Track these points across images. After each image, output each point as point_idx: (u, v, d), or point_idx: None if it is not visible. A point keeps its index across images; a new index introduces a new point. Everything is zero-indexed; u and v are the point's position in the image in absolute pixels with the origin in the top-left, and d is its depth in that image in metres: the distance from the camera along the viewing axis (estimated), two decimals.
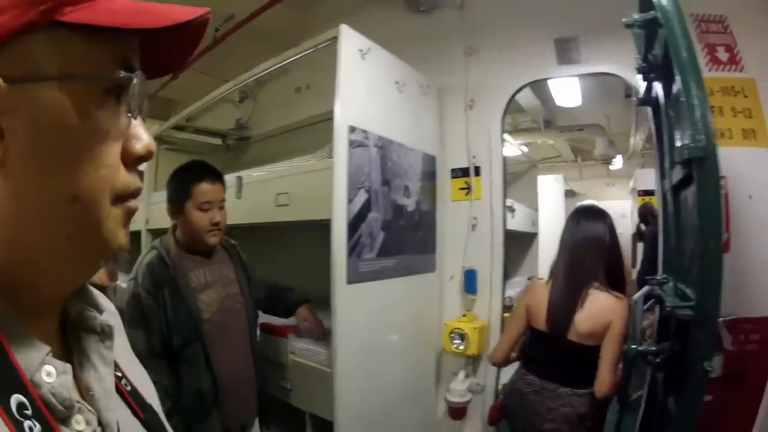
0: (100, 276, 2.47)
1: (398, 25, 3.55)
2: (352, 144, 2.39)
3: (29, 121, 0.48)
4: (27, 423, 0.45)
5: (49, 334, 0.57)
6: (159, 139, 4.04)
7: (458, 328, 3.09)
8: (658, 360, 2.08)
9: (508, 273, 5.27)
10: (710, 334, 1.60)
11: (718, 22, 2.51)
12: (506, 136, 4.69)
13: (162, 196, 2.35)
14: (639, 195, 6.95)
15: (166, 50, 0.61)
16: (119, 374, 0.66)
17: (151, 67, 0.59)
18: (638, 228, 6.35)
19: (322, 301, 2.44)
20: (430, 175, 3.18)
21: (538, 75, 3.32)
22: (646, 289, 2.20)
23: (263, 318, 2.73)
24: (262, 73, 3.05)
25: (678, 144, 1.86)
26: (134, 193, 0.58)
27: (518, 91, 3.35)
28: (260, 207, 3.00)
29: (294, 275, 2.94)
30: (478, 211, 3.28)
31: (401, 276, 2.82)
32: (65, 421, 0.50)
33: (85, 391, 0.57)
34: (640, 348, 2.10)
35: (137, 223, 3.59)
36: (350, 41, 2.44)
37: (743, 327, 2.26)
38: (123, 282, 2.61)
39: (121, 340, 0.73)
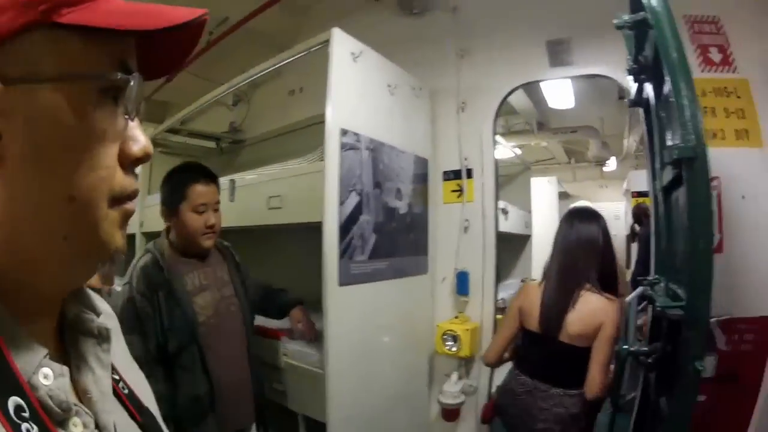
0: (92, 279, 2.44)
1: (391, 27, 3.56)
2: (344, 147, 2.40)
3: (26, 121, 0.48)
4: (24, 425, 0.45)
5: (47, 337, 0.57)
6: (153, 142, 3.88)
7: (450, 330, 3.10)
8: (650, 360, 2.07)
9: (501, 275, 5.28)
10: (701, 334, 1.60)
11: (711, 22, 2.52)
12: (499, 138, 4.71)
13: (156, 199, 2.34)
14: (633, 196, 6.95)
15: (164, 51, 0.61)
16: (116, 377, 0.66)
17: (149, 69, 0.60)
18: (632, 228, 6.36)
19: (315, 303, 2.43)
20: (422, 178, 3.19)
21: (530, 77, 3.34)
22: (639, 289, 2.20)
23: (256, 320, 2.70)
24: (256, 76, 3.06)
25: (669, 144, 1.86)
26: (131, 196, 0.58)
27: (510, 93, 3.37)
28: (253, 210, 3.02)
29: (287, 277, 2.95)
30: (470, 214, 3.29)
31: (393, 278, 2.83)
32: (62, 423, 0.50)
33: (82, 394, 0.57)
34: (632, 348, 2.09)
35: (132, 226, 3.57)
36: (342, 44, 2.45)
37: (737, 327, 2.26)
38: (118, 285, 2.61)
39: (118, 343, 0.73)
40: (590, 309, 2.30)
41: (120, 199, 0.56)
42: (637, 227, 6.05)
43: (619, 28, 1.96)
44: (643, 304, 2.29)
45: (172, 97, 5.04)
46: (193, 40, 0.61)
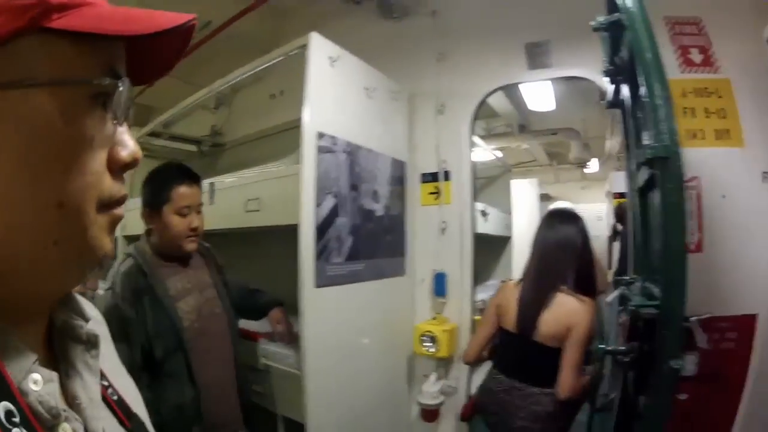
0: None
1: (371, 31, 3.58)
2: (320, 150, 2.42)
3: (15, 126, 0.47)
4: (15, 430, 0.45)
5: (36, 342, 0.56)
6: None
7: (429, 331, 3.13)
8: (627, 359, 2.06)
9: (482, 276, 5.31)
10: (676, 333, 1.61)
11: (693, 23, 2.52)
12: (479, 140, 4.74)
13: (138, 202, 2.29)
14: (614, 197, 6.97)
15: (154, 56, 0.61)
16: (106, 383, 0.66)
17: (139, 74, 0.60)
18: (614, 227, 6.38)
19: (294, 305, 2.43)
20: (399, 180, 3.21)
21: (508, 80, 3.35)
22: (620, 289, 2.23)
23: None
24: (236, 80, 3.07)
25: (643, 144, 1.87)
26: (119, 201, 0.58)
27: (488, 95, 3.39)
28: (231, 213, 3.02)
29: (266, 280, 2.94)
30: (447, 215, 3.32)
31: (371, 280, 2.85)
32: (52, 429, 0.50)
33: (71, 400, 0.57)
34: (609, 348, 2.09)
35: None
36: (320, 49, 2.48)
37: (718, 326, 2.26)
38: (101, 289, 2.60)
39: (108, 349, 0.73)
40: (563, 310, 2.32)
41: (108, 204, 0.56)
42: (618, 226, 6.06)
43: (596, 29, 1.97)
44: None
45: (154, 101, 5.01)
46: (182, 45, 0.61)
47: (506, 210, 6.13)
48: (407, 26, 3.53)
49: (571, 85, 4.14)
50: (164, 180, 2.22)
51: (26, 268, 0.51)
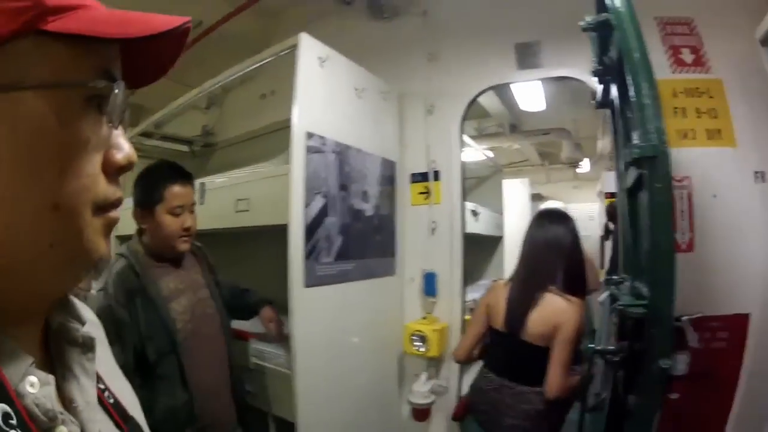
0: None
1: (362, 31, 3.60)
2: (310, 150, 2.42)
3: (10, 129, 0.47)
4: None
5: (32, 345, 0.56)
6: None
7: (419, 331, 3.13)
8: (617, 359, 2.07)
9: (474, 276, 5.32)
10: (665, 332, 1.61)
11: (684, 24, 2.54)
12: (470, 140, 4.74)
13: (129, 202, 2.19)
14: (606, 197, 6.99)
15: (149, 59, 0.61)
16: (102, 386, 0.66)
17: (134, 77, 0.60)
18: (606, 226, 6.39)
19: (284, 305, 2.42)
20: (389, 180, 3.22)
21: (498, 80, 3.35)
22: (610, 288, 2.23)
23: None
24: (227, 81, 3.07)
25: (631, 144, 1.86)
26: (115, 204, 0.58)
27: (478, 95, 3.39)
28: (221, 213, 3.02)
29: (256, 280, 2.94)
30: (437, 215, 3.33)
31: (361, 279, 2.85)
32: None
33: (68, 403, 0.56)
34: (598, 347, 2.11)
35: None
36: (309, 49, 2.48)
37: (710, 325, 2.27)
38: (93, 289, 2.59)
39: (104, 352, 0.74)
40: (551, 310, 2.33)
41: (104, 207, 0.56)
42: (611, 225, 6.07)
43: (585, 30, 1.98)
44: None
45: (146, 101, 5.00)
46: (178, 48, 0.61)
47: (497, 210, 6.14)
48: (398, 26, 3.54)
49: (563, 85, 4.15)
50: (157, 179, 2.18)
51: (22, 270, 0.51)
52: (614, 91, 2.20)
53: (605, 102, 2.36)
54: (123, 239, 3.40)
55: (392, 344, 3.26)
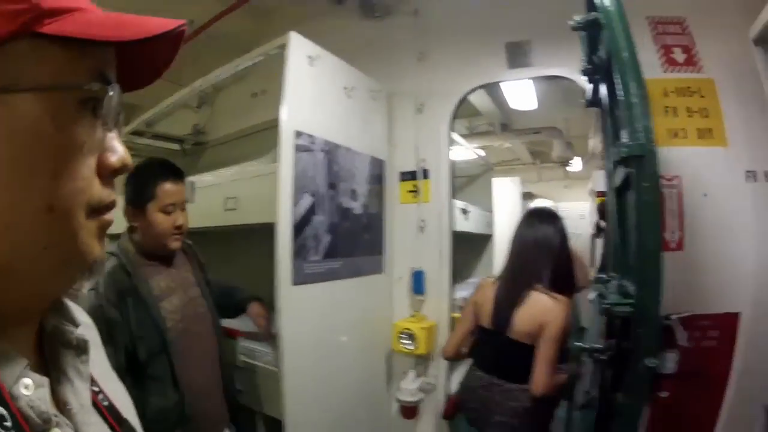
0: None
1: (353, 30, 3.60)
2: (298, 149, 2.43)
3: (6, 131, 0.47)
4: None
5: (27, 347, 0.57)
6: None
7: (407, 329, 3.15)
8: (604, 357, 2.09)
9: (463, 274, 5.32)
10: (651, 331, 1.63)
11: (677, 23, 2.54)
12: (460, 139, 4.73)
13: (121, 201, 2.19)
14: (597, 196, 6.98)
15: (144, 62, 0.61)
16: (96, 389, 0.65)
17: (129, 80, 0.60)
18: (597, 224, 6.40)
19: (273, 304, 2.42)
20: (378, 179, 3.23)
21: (488, 78, 3.36)
22: (598, 287, 2.24)
23: None
24: (218, 79, 3.08)
25: (619, 142, 1.87)
26: (109, 206, 0.58)
27: (467, 94, 3.41)
28: (210, 211, 3.02)
29: (244, 279, 2.94)
30: (426, 214, 3.34)
31: (349, 277, 2.87)
32: None
33: (62, 406, 0.56)
34: (586, 345, 2.12)
35: None
36: (299, 48, 2.49)
37: (699, 324, 2.27)
38: (84, 288, 2.59)
39: (98, 355, 0.73)
40: (537, 308, 2.35)
41: (98, 209, 0.56)
42: (602, 223, 6.07)
43: (575, 29, 1.99)
44: None
45: (138, 100, 4.97)
46: (173, 51, 0.61)
47: (488, 208, 6.14)
48: (389, 25, 3.55)
49: (554, 84, 4.15)
50: (148, 177, 2.14)
51: (16, 272, 0.51)
52: (603, 90, 2.21)
53: (595, 101, 2.37)
54: (112, 238, 3.40)
55: (380, 342, 3.28)
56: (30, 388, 0.50)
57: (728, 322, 2.31)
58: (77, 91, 0.51)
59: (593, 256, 6.63)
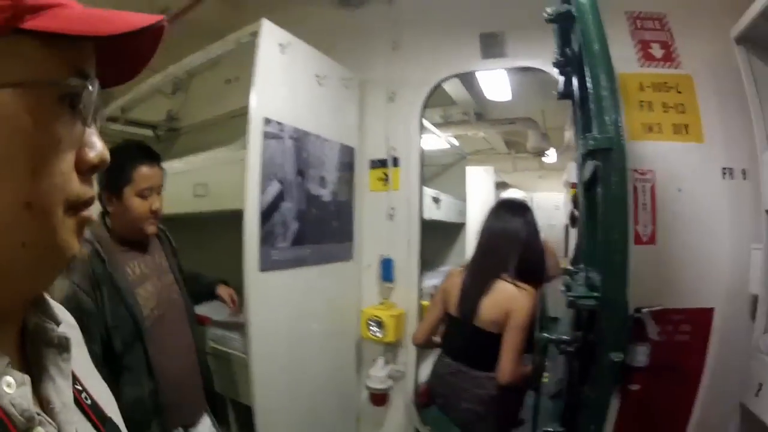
0: None
1: (328, 19, 3.57)
2: (267, 136, 2.44)
3: None
4: None
5: (8, 346, 0.55)
6: None
7: (375, 316, 3.17)
8: (571, 349, 2.10)
9: (436, 262, 5.34)
10: (617, 324, 1.64)
11: (656, 19, 2.55)
12: (434, 128, 4.75)
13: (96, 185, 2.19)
14: (572, 187, 7.04)
15: (124, 58, 0.61)
16: (79, 387, 0.65)
17: (109, 75, 0.60)
18: (572, 214, 6.45)
19: (242, 290, 2.44)
20: (348, 166, 3.23)
21: (461, 68, 3.39)
22: (565, 279, 2.26)
23: None
24: (191, 66, 3.09)
25: (587, 135, 1.86)
26: (87, 202, 0.57)
27: (439, 83, 3.42)
28: (180, 198, 3.00)
29: (216, 266, 2.93)
30: (396, 201, 3.36)
31: (317, 264, 2.88)
32: None
33: (45, 404, 0.56)
34: (553, 337, 2.13)
35: None
36: (270, 35, 2.49)
37: (671, 318, 2.29)
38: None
39: (81, 353, 0.73)
40: (502, 296, 2.38)
41: (76, 206, 0.55)
42: (576, 212, 6.12)
43: (548, 21, 1.99)
44: None
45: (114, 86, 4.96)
46: (153, 46, 0.61)
47: (461, 197, 6.17)
48: (363, 14, 3.53)
49: (531, 76, 4.15)
50: (125, 160, 2.06)
51: None
52: (575, 82, 2.21)
53: (567, 93, 2.38)
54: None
55: (350, 329, 3.30)
56: (12, 386, 0.50)
57: (702, 318, 2.33)
58: (56, 87, 0.51)
59: (567, 247, 6.70)
